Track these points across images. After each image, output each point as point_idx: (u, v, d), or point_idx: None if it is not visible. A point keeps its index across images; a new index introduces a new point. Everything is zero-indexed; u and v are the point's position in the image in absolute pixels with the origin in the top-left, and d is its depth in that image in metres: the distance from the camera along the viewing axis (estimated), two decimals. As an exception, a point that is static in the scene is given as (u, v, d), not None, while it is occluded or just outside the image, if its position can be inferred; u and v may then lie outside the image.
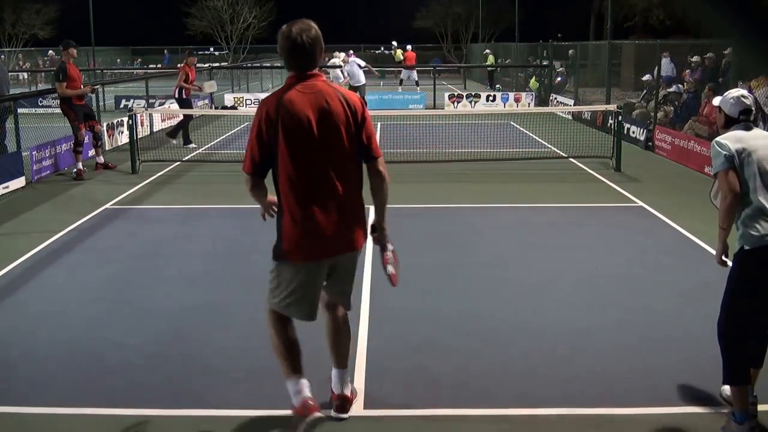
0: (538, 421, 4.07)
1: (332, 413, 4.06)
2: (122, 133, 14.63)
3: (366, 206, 3.85)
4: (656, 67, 15.46)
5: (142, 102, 20.47)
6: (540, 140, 14.97)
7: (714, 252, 4.06)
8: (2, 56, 36.30)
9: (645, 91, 17.03)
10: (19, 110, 12.17)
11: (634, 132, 14.59)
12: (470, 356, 4.87)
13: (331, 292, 3.93)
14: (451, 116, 18.92)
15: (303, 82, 3.63)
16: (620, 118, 11.99)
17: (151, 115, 16.45)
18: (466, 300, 5.93)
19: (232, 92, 24.59)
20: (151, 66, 39.49)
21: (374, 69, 19.98)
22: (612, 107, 12.81)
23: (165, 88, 24.37)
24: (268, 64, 34.07)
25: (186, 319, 5.56)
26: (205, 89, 16.48)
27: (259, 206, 3.90)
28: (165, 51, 44.92)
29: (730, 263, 3.95)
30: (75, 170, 11.40)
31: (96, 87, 13.82)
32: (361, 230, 3.80)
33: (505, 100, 22.78)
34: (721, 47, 14.12)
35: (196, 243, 7.71)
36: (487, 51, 33.34)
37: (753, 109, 3.95)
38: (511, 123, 17.52)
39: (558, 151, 13.52)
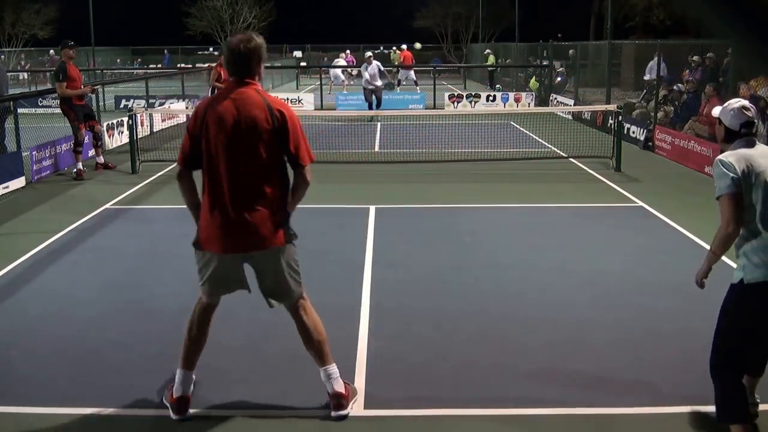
0: (538, 421, 4.07)
1: (332, 414, 4.05)
2: (122, 133, 14.63)
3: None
4: (654, 66, 15.43)
5: (142, 102, 20.46)
6: (540, 140, 14.97)
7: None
8: (2, 56, 36.29)
9: (645, 91, 17.04)
10: (19, 110, 12.15)
11: (634, 132, 14.59)
12: (470, 356, 4.87)
13: (263, 291, 4.09)
14: (451, 116, 18.90)
15: (238, 88, 3.90)
16: (620, 118, 11.99)
17: (151, 115, 16.45)
18: (467, 300, 5.93)
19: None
20: (151, 66, 39.44)
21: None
22: (612, 107, 12.82)
23: (165, 88, 24.40)
24: (268, 65, 34.01)
25: (186, 319, 5.53)
26: None
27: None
28: (165, 51, 44.86)
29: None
30: (75, 170, 11.40)
31: (96, 87, 13.80)
32: (275, 230, 3.89)
33: (505, 100, 22.77)
34: (722, 47, 14.11)
35: (196, 243, 7.69)
36: (488, 51, 33.29)
37: (755, 121, 3.64)
38: (511, 123, 17.52)
39: (558, 151, 13.52)
